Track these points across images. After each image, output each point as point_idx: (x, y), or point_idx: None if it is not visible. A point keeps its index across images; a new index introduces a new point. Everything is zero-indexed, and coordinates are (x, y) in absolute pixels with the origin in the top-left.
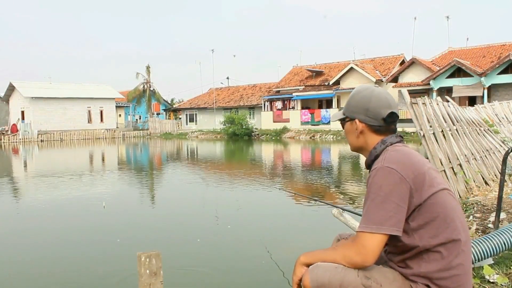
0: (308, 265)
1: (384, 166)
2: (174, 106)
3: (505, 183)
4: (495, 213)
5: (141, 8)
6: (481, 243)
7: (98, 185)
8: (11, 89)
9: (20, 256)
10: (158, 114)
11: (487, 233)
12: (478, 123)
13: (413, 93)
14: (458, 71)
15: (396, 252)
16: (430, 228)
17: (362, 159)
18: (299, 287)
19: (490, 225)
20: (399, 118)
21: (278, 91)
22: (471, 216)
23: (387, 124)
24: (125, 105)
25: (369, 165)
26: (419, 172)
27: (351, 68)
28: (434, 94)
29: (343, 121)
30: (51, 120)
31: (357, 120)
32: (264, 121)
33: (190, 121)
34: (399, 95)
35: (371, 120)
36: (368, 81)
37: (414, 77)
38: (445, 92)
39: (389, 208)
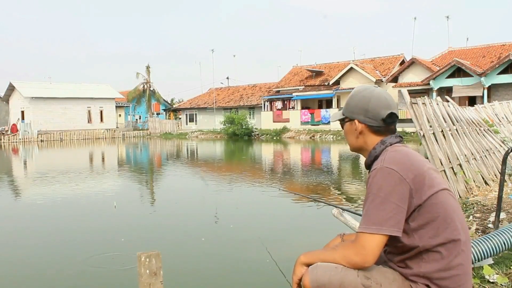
0: (308, 265)
1: (383, 167)
2: (174, 106)
3: (505, 183)
4: (495, 213)
5: (141, 8)
6: (481, 243)
7: (99, 185)
8: (11, 89)
9: (25, 255)
10: (158, 114)
11: (487, 233)
12: (478, 123)
13: (413, 93)
14: (458, 71)
15: (396, 252)
16: (430, 228)
17: (362, 159)
18: (299, 287)
19: (490, 225)
20: (399, 118)
21: (278, 91)
22: (471, 216)
23: (387, 124)
24: (125, 105)
25: (368, 166)
26: (418, 173)
27: (351, 68)
28: (434, 94)
29: (342, 121)
30: (51, 120)
31: (356, 121)
32: (264, 121)
33: (190, 121)
34: (399, 95)
35: (371, 120)
36: (368, 81)
37: (414, 77)
38: (445, 92)
39: (388, 209)
